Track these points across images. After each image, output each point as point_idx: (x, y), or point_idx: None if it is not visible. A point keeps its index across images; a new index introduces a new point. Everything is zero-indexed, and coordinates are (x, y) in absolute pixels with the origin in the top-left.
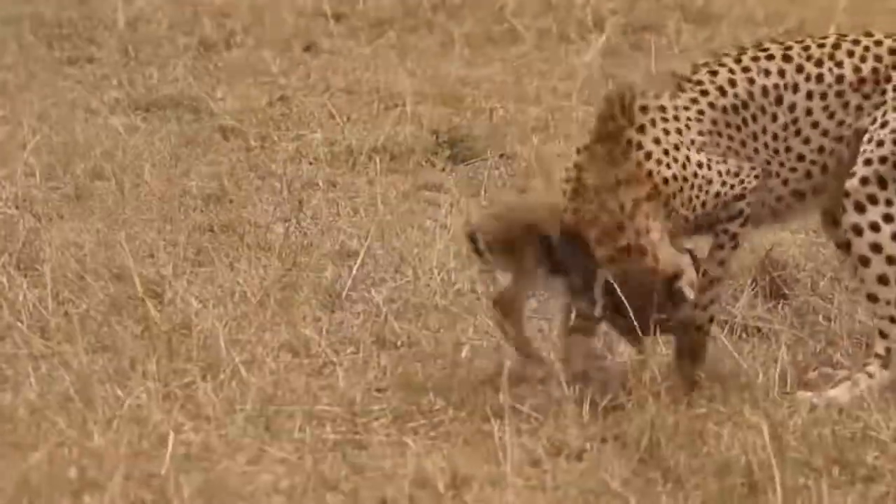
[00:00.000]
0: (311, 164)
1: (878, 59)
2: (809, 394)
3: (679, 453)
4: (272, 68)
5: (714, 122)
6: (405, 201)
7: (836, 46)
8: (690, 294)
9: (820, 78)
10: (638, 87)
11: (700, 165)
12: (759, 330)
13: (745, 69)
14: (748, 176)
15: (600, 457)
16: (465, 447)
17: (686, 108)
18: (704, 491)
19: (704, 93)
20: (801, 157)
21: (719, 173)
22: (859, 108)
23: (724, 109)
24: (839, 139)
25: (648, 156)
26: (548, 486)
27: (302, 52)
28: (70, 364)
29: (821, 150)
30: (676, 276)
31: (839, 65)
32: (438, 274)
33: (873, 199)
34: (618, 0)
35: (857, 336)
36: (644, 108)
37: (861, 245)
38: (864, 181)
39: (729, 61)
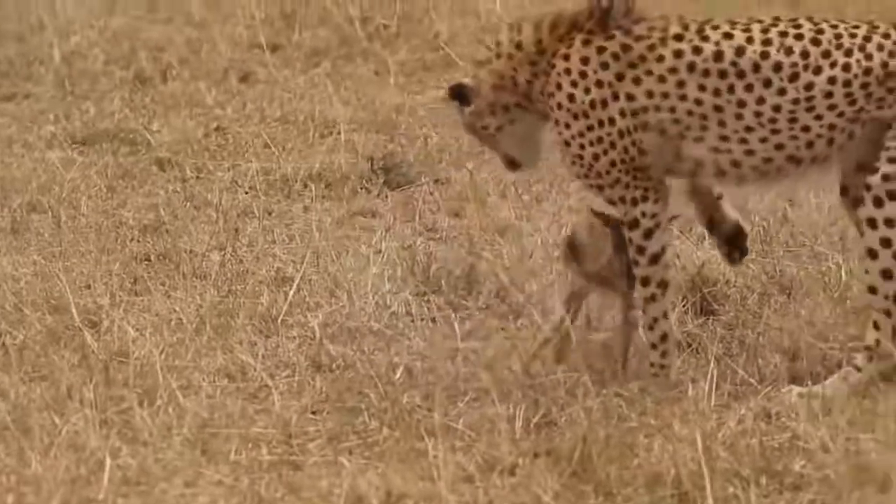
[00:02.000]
0: (246, 192)
1: None
2: (798, 388)
3: (610, 466)
4: (208, 100)
5: (680, 84)
6: (340, 227)
7: (867, 38)
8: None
9: (847, 67)
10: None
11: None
12: (689, 345)
13: (766, 42)
14: (649, 203)
15: (533, 471)
16: (400, 465)
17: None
18: (635, 503)
19: (696, 50)
20: (806, 129)
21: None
22: (881, 99)
23: (706, 72)
24: (854, 121)
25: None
26: (481, 501)
27: (237, 83)
28: (7, 394)
29: (831, 127)
30: None
31: (868, 57)
32: (373, 298)
33: (893, 196)
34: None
35: (785, 350)
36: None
37: (873, 238)
38: (886, 178)
39: (755, 28)
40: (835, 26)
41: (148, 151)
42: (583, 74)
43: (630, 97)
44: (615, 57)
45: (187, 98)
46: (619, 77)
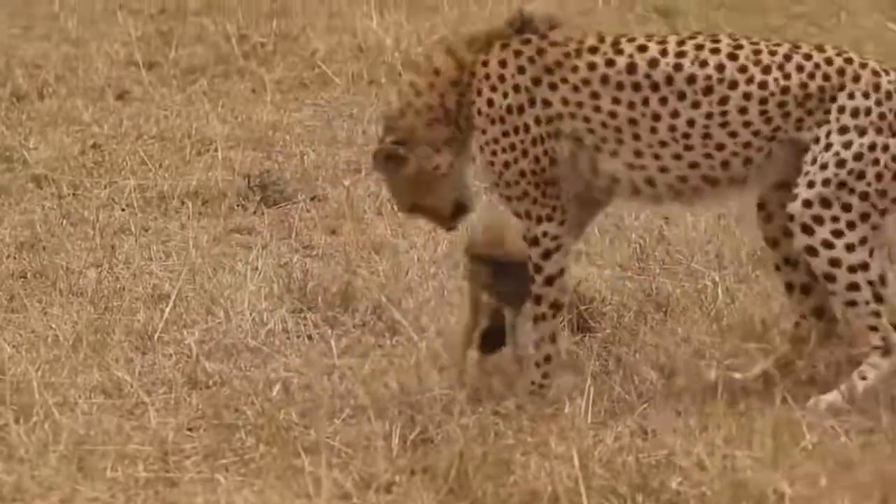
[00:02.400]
0: (123, 210)
1: (826, 77)
2: (825, 397)
3: (487, 483)
4: (84, 117)
5: (595, 95)
6: (217, 245)
7: (787, 58)
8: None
9: (764, 84)
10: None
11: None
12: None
13: (680, 54)
14: (552, 222)
15: (409, 489)
16: (277, 482)
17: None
18: None
19: (610, 62)
20: (721, 147)
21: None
22: (800, 120)
23: (620, 85)
24: (771, 140)
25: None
26: None
27: (114, 100)
28: None
29: (747, 145)
30: None
31: (787, 76)
32: (249, 315)
33: (819, 220)
34: (427, 45)
35: (661, 367)
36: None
37: (820, 264)
38: (808, 203)
39: (671, 41)
40: (755, 43)
41: (24, 168)
42: (501, 78)
43: (546, 103)
44: (531, 61)
45: (64, 115)
46: (536, 82)
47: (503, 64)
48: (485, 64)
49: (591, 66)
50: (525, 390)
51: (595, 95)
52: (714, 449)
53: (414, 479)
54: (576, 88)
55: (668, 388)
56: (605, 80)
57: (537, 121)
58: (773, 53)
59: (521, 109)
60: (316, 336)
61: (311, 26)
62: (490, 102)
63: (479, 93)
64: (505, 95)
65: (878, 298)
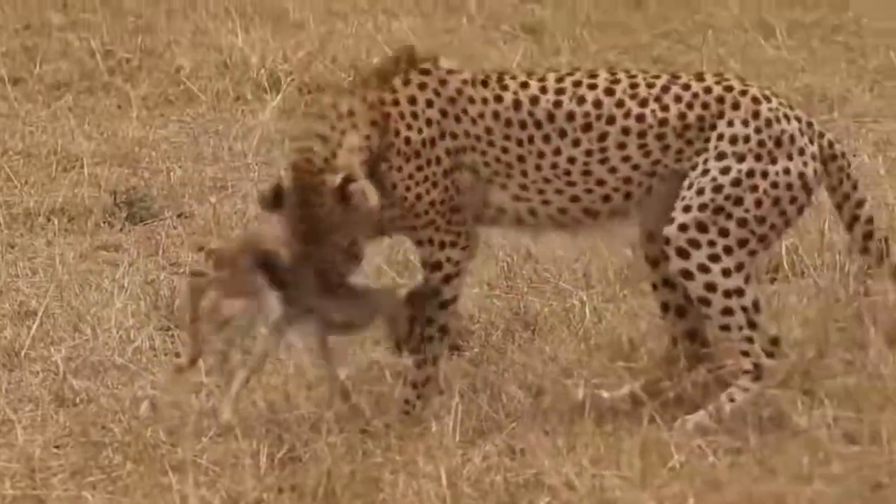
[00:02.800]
0: None
1: (705, 106)
2: (691, 417)
3: (356, 502)
4: None
5: (489, 131)
6: (83, 261)
7: (665, 89)
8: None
9: (641, 118)
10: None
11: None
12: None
13: (559, 91)
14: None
15: None
16: (144, 500)
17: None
18: None
19: (498, 98)
20: (601, 182)
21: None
22: (680, 151)
23: (509, 122)
24: (651, 175)
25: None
26: None
27: None
28: None
29: (627, 180)
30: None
31: (665, 108)
32: (117, 332)
33: (695, 244)
34: (293, 62)
35: (528, 386)
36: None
37: (696, 288)
38: (683, 227)
39: (550, 78)
40: (633, 76)
41: None
42: (414, 115)
43: (453, 136)
44: (437, 93)
45: None
46: (444, 114)
47: (412, 101)
48: (395, 103)
49: (485, 101)
50: (398, 409)
51: (489, 131)
52: (582, 469)
53: (282, 497)
54: (474, 122)
55: (536, 408)
56: (496, 116)
57: (448, 152)
58: (650, 86)
59: (433, 142)
60: (183, 354)
61: (175, 42)
62: (407, 140)
63: (397, 133)
64: (420, 131)
65: (752, 325)
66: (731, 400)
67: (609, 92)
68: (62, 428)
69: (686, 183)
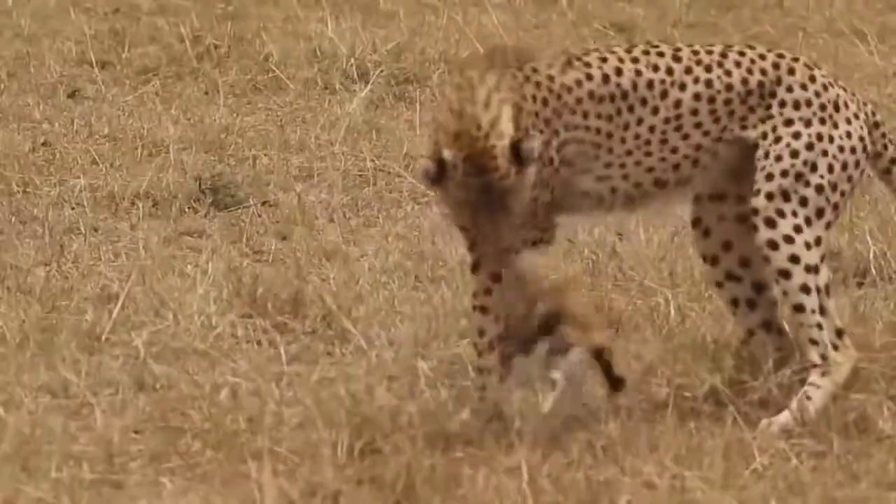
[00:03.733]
0: (73, 209)
1: (763, 72)
2: (781, 417)
3: (435, 496)
4: (35, 114)
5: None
6: (167, 247)
7: (724, 55)
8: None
9: (709, 83)
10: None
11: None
12: None
13: (634, 59)
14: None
15: (356, 498)
16: (222, 488)
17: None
18: None
19: (589, 77)
20: (675, 150)
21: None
22: (744, 118)
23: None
24: (718, 140)
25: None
26: None
27: (66, 98)
28: None
29: (697, 147)
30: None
31: (728, 73)
32: (198, 318)
33: (781, 213)
34: (382, 53)
35: None
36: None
37: (779, 259)
38: (770, 196)
39: (620, 51)
40: (690, 45)
41: None
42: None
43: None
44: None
45: (15, 112)
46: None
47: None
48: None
49: (579, 83)
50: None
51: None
52: (663, 469)
53: (361, 488)
54: (573, 111)
55: (619, 406)
56: (591, 96)
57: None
58: (710, 53)
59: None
60: (265, 342)
61: (265, 30)
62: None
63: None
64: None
65: (822, 310)
66: (808, 398)
67: (676, 59)
68: (142, 413)
69: (761, 152)
